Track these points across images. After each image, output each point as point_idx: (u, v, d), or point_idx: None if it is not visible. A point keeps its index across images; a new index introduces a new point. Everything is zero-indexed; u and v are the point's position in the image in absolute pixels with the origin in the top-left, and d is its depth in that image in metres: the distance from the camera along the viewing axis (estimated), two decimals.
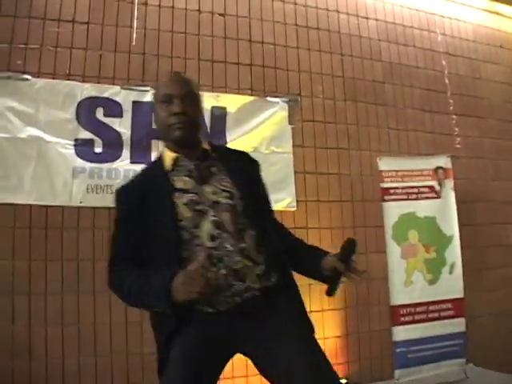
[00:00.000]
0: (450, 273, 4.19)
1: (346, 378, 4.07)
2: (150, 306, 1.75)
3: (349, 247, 1.81)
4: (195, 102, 1.88)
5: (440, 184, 4.25)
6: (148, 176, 1.90)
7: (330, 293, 1.82)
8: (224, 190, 1.79)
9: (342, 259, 1.79)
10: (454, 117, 5.05)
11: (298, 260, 1.94)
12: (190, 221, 1.71)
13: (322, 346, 4.00)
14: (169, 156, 1.85)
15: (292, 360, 1.62)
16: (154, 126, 3.68)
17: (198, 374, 1.62)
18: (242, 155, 2.04)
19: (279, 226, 2.05)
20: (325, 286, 1.84)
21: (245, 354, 1.77)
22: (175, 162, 1.83)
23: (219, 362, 1.74)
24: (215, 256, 1.67)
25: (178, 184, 1.78)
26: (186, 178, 1.80)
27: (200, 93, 1.97)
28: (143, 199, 1.77)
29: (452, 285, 4.19)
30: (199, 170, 1.82)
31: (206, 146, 1.91)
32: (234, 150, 2.10)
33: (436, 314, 4.11)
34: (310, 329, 1.83)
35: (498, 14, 5.67)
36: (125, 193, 1.88)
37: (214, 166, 1.85)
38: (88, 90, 3.73)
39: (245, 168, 1.93)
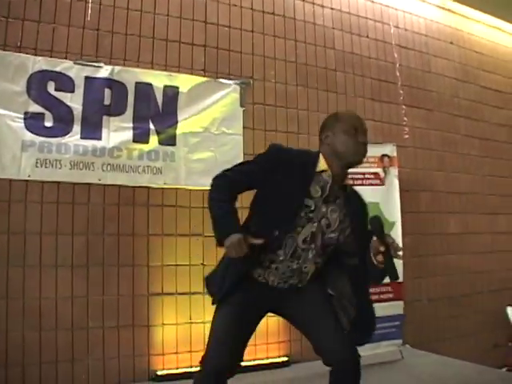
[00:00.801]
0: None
1: (288, 356, 4.20)
2: (215, 229, 2.08)
3: (379, 227, 2.06)
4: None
5: (385, 171, 4.39)
6: (303, 162, 2.15)
7: (393, 279, 2.10)
8: (336, 226, 2.15)
9: (381, 242, 2.02)
10: (403, 107, 5.21)
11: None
12: (300, 219, 2.09)
13: (266, 324, 4.16)
14: (323, 164, 2.12)
15: (317, 318, 2.17)
16: (105, 103, 3.70)
17: (244, 317, 2.13)
18: (360, 199, 2.28)
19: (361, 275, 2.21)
20: None
21: (281, 314, 2.33)
22: (324, 171, 2.12)
23: (261, 314, 2.26)
24: (297, 255, 2.14)
25: (312, 187, 2.10)
26: (318, 188, 2.11)
27: None
28: (287, 172, 2.09)
29: None
30: (331, 192, 2.12)
31: (347, 182, 2.22)
32: (356, 192, 2.30)
33: (376, 296, 4.23)
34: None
35: (450, 11, 5.86)
36: (280, 154, 2.16)
37: (340, 198, 2.16)
38: (40, 63, 3.69)
39: (358, 213, 2.20)
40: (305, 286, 2.23)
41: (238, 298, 2.13)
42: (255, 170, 2.14)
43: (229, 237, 1.96)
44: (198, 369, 2.12)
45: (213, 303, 2.22)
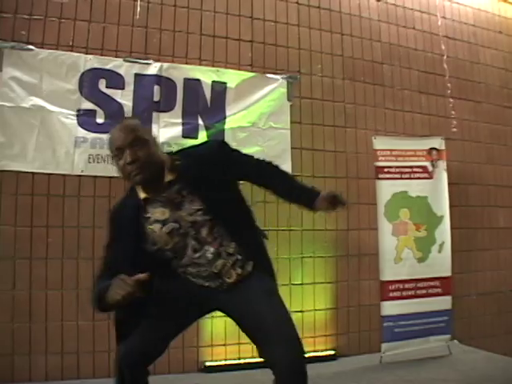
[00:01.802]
0: (439, 252, 4.28)
1: (335, 350, 4.21)
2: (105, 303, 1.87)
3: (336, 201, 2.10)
4: (144, 144, 2.00)
5: (433, 165, 4.33)
6: (126, 206, 2.11)
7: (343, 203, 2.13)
8: (197, 210, 2.02)
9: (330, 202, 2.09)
10: (451, 100, 5.10)
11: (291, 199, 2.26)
12: (176, 245, 2.02)
13: (313, 318, 4.17)
14: (141, 193, 2.06)
15: (260, 312, 1.96)
16: (155, 99, 3.80)
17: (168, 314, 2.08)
18: (201, 154, 2.14)
19: (268, 173, 2.24)
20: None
21: (221, 310, 2.18)
22: (147, 198, 2.05)
23: (195, 314, 2.24)
24: (201, 264, 2.04)
25: (157, 215, 2.03)
26: (162, 209, 2.02)
27: (147, 132, 2.16)
28: (120, 226, 2.06)
29: (440, 263, 4.28)
30: (170, 200, 2.03)
31: (169, 176, 2.05)
32: (193, 150, 2.19)
33: (424, 291, 4.20)
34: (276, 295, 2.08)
35: None
36: (111, 217, 2.14)
37: (183, 188, 2.03)
38: (91, 61, 3.80)
39: (208, 171, 2.05)
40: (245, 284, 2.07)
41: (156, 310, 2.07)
42: (109, 243, 2.09)
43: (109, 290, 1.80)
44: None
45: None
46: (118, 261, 1.98)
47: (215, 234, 2.03)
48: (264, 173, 2.24)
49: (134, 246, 2.00)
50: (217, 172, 2.06)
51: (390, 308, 4.09)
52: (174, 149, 3.87)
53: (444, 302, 4.28)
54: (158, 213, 2.03)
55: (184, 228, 2.01)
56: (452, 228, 4.39)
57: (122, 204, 2.15)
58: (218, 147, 2.19)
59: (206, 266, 2.03)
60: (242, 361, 3.94)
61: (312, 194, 2.15)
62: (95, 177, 3.74)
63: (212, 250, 2.03)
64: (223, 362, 3.91)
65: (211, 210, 2.02)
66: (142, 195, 2.05)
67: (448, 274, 4.31)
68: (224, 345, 3.95)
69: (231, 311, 2.12)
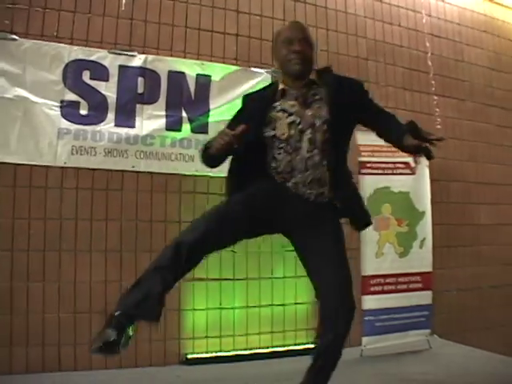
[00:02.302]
0: (421, 247, 4.33)
1: (315, 343, 4.24)
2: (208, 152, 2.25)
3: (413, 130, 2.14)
4: (310, 45, 2.33)
5: (415, 161, 4.34)
6: (262, 94, 2.43)
7: (430, 157, 2.21)
8: (321, 117, 2.23)
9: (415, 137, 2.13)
10: (435, 97, 5.16)
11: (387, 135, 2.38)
12: (290, 137, 2.23)
13: (294, 311, 4.19)
14: (281, 85, 2.33)
15: (326, 259, 2.18)
16: (139, 91, 3.77)
17: (248, 220, 2.17)
18: (347, 81, 2.39)
19: (381, 116, 2.40)
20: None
21: (288, 235, 2.36)
22: (285, 89, 2.30)
23: (269, 227, 2.32)
24: (309, 164, 2.22)
25: (286, 106, 2.27)
26: (292, 102, 2.26)
27: (313, 38, 2.40)
28: (249, 108, 2.38)
29: (422, 258, 4.34)
30: (304, 97, 2.27)
31: (313, 76, 2.33)
32: (339, 76, 2.40)
33: (404, 286, 4.25)
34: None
35: None
36: (243, 99, 2.53)
37: (317, 93, 2.29)
38: (75, 52, 3.78)
39: (344, 93, 2.26)
40: (324, 221, 2.23)
41: (255, 196, 2.21)
42: (235, 118, 2.39)
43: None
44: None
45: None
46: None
47: (325, 145, 2.22)
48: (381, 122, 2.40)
49: (253, 129, 2.17)
50: (351, 99, 2.26)
51: (370, 302, 4.12)
52: (158, 142, 3.92)
53: (424, 297, 4.33)
54: (288, 104, 2.27)
55: (303, 125, 2.22)
56: (433, 224, 4.45)
57: (258, 92, 2.52)
58: (361, 83, 2.43)
59: (311, 169, 2.22)
60: (223, 353, 3.96)
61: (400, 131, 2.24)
62: (78, 169, 3.72)
63: (319, 156, 2.22)
64: (204, 355, 3.92)
65: (331, 125, 2.22)
66: (281, 86, 2.31)
67: (429, 269, 4.36)
68: (205, 337, 3.96)
69: (300, 242, 2.31)
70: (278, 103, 2.28)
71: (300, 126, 2.22)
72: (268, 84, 2.54)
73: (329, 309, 2.17)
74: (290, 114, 2.24)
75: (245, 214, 2.16)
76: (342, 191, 2.28)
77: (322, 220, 2.22)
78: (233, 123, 2.28)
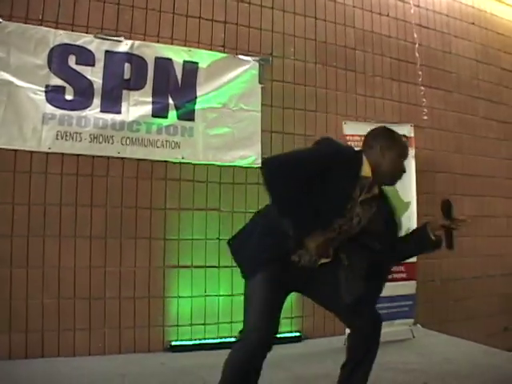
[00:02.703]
0: None
1: (300, 332, 4.27)
2: (289, 223, 2.14)
3: (447, 208, 2.25)
4: None
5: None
6: (354, 161, 2.27)
7: (450, 247, 2.25)
8: (361, 217, 2.29)
9: (446, 217, 2.24)
10: (422, 88, 5.17)
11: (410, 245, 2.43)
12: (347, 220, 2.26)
13: None
14: (367, 169, 2.26)
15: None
16: (125, 77, 3.73)
17: (278, 290, 2.23)
18: (390, 203, 2.47)
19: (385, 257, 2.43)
20: None
21: (303, 293, 2.48)
22: (366, 177, 2.26)
23: (287, 291, 2.35)
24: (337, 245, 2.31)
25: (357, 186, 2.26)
26: (358, 190, 2.24)
27: None
28: (343, 169, 2.19)
29: None
30: (367, 199, 2.29)
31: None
32: (386, 195, 2.47)
33: (389, 276, 4.27)
34: None
35: None
36: (345, 154, 2.25)
37: (373, 202, 2.32)
38: (61, 36, 3.73)
39: (386, 213, 2.39)
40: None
41: (272, 271, 2.19)
42: (323, 160, 2.18)
43: (312, 235, 2.12)
44: (237, 340, 2.23)
45: (245, 273, 2.31)
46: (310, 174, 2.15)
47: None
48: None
49: (340, 197, 2.20)
50: (392, 219, 2.42)
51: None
52: (144, 128, 3.89)
53: (408, 287, 4.37)
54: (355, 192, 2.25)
55: (351, 213, 2.26)
56: (419, 214, 4.47)
57: (351, 155, 2.31)
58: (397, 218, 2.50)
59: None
60: (207, 341, 3.97)
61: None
62: (63, 154, 3.69)
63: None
64: (189, 342, 3.93)
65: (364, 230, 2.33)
66: (366, 172, 2.25)
67: (413, 259, 4.38)
68: (190, 325, 3.97)
69: (316, 291, 2.40)
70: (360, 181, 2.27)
71: (350, 214, 2.27)
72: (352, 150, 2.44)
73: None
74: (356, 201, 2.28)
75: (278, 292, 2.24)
76: None
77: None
78: (323, 165, 2.19)
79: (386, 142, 2.28)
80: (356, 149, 2.41)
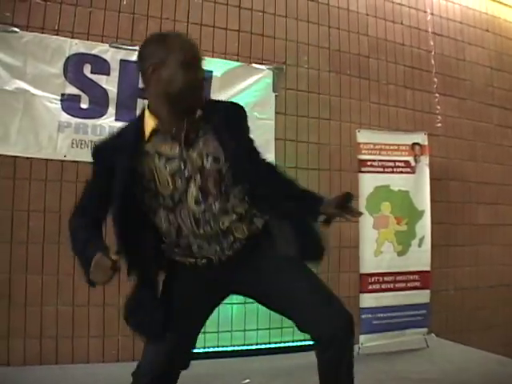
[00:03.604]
0: (419, 246, 4.32)
1: (302, 341, 4.25)
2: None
3: (346, 198, 1.84)
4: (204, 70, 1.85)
5: (416, 160, 4.35)
6: (124, 138, 1.83)
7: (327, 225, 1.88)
8: (209, 155, 1.77)
9: (338, 206, 1.83)
10: (436, 96, 5.15)
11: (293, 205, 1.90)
12: (177, 189, 1.75)
13: None
14: (150, 122, 1.78)
15: (290, 288, 1.79)
16: (140, 86, 3.78)
17: (188, 310, 1.83)
18: (229, 108, 1.95)
19: (269, 169, 1.98)
20: None
21: (241, 294, 1.98)
22: (157, 130, 1.77)
23: (211, 301, 1.95)
24: (202, 219, 1.75)
25: (163, 149, 1.76)
26: (171, 143, 1.76)
27: None
28: (114, 163, 1.74)
29: (420, 257, 4.33)
30: (185, 136, 1.76)
31: (196, 114, 1.82)
32: (221, 103, 2.04)
33: (403, 285, 4.25)
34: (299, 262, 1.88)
35: None
36: (98, 153, 1.85)
37: (200, 128, 1.80)
38: (76, 46, 3.77)
39: (231, 123, 1.85)
40: (247, 254, 1.83)
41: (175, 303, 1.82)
42: (94, 181, 1.84)
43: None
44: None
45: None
46: (93, 202, 1.83)
47: (224, 186, 1.78)
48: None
49: (122, 186, 1.73)
50: (239, 128, 1.90)
51: (368, 300, 4.12)
52: None
53: (422, 296, 4.33)
54: (164, 147, 1.76)
55: (190, 171, 1.75)
56: (432, 223, 4.43)
57: (115, 138, 1.85)
58: (243, 110, 1.98)
59: (210, 222, 1.76)
60: (221, 348, 3.97)
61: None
62: (78, 162, 3.70)
63: (217, 204, 1.76)
64: (202, 350, 3.84)
65: (226, 160, 1.78)
66: (151, 125, 1.76)
67: (427, 268, 4.35)
68: (203, 332, 3.81)
69: (249, 289, 1.90)
70: (150, 147, 1.77)
71: (186, 174, 1.76)
72: (125, 126, 1.95)
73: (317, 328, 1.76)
74: (169, 160, 1.76)
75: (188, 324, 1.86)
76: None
77: (250, 261, 1.83)
78: (91, 187, 1.86)
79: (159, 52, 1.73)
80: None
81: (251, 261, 1.81)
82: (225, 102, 2.11)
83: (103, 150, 1.83)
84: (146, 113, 1.80)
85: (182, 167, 1.74)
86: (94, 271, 1.58)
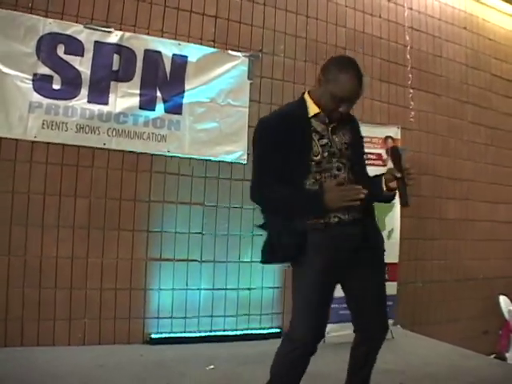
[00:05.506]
0: (388, 238, 4.35)
1: (280, 328, 4.29)
2: (302, 213, 2.21)
3: (396, 157, 2.19)
4: None
5: (388, 153, 4.39)
6: (292, 115, 2.28)
7: (404, 204, 2.30)
8: (345, 143, 2.31)
9: (398, 169, 2.17)
10: (411, 90, 5.20)
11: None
12: (325, 159, 2.23)
13: (260, 296, 4.23)
14: (313, 107, 2.26)
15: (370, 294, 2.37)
16: (114, 68, 3.73)
17: (329, 285, 2.33)
18: (355, 119, 2.48)
19: (364, 160, 2.55)
20: None
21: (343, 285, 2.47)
22: (317, 114, 2.26)
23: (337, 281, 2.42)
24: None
25: (318, 128, 2.26)
26: (323, 126, 2.27)
27: None
28: (286, 133, 2.19)
29: (388, 250, 4.28)
30: (333, 126, 2.29)
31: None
32: (352, 115, 2.46)
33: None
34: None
35: None
36: (270, 125, 2.26)
37: (342, 125, 2.32)
38: (50, 25, 3.70)
39: (355, 127, 2.43)
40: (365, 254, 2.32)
41: (318, 264, 2.21)
42: (270, 150, 2.20)
43: (324, 197, 2.06)
44: (284, 338, 2.36)
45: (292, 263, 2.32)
46: (277, 171, 2.19)
47: (352, 169, 2.29)
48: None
49: (299, 155, 2.20)
50: (358, 132, 2.46)
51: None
52: (131, 120, 3.89)
53: (389, 288, 4.31)
54: (319, 127, 2.26)
55: (334, 148, 2.25)
56: (402, 216, 4.50)
57: (283, 116, 2.31)
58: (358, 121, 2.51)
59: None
60: (187, 334, 3.99)
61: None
62: (48, 143, 3.67)
63: (348, 179, 2.25)
64: (169, 335, 3.94)
65: (352, 151, 2.32)
66: (314, 110, 2.25)
67: (395, 260, 4.41)
68: (170, 317, 3.98)
69: (354, 286, 2.42)
70: (312, 125, 2.28)
71: (332, 149, 2.25)
72: (286, 109, 2.43)
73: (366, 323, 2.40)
74: (322, 136, 2.26)
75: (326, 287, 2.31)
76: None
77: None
78: (273, 156, 2.21)
79: (328, 75, 2.22)
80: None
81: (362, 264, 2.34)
82: (353, 115, 2.51)
83: (275, 122, 2.28)
84: (308, 99, 2.29)
85: (329, 144, 2.25)
86: (345, 190, 2.06)
